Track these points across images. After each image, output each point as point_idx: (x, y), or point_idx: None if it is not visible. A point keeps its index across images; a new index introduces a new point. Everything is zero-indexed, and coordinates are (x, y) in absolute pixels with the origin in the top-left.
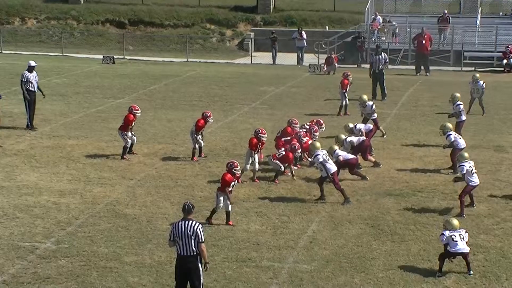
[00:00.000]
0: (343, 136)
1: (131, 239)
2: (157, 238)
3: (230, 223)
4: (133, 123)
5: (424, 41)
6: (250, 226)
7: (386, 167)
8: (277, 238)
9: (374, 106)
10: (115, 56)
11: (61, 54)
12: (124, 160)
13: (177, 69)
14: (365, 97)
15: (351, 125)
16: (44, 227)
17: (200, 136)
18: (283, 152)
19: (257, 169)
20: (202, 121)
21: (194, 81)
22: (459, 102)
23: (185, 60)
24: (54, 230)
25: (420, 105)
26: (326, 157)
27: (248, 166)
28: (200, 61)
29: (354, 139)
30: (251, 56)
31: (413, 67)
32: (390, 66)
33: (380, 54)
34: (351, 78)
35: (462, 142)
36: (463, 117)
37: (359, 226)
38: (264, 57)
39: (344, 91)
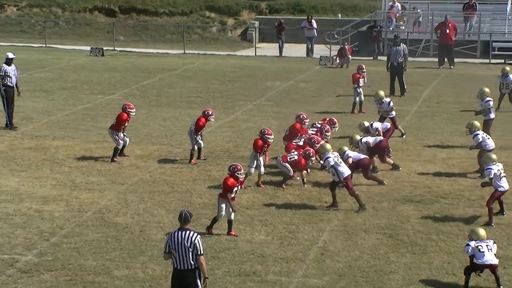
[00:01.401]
0: (358, 137)
1: (122, 251)
2: (151, 250)
3: (232, 233)
4: (126, 123)
5: (447, 31)
6: (254, 236)
7: (406, 170)
8: (284, 250)
9: (391, 103)
10: (104, 48)
11: (44, 45)
12: (114, 162)
13: (173, 62)
14: (381, 93)
15: (366, 124)
16: (26, 237)
17: (199, 136)
18: (295, 157)
19: (262, 173)
20: (202, 120)
21: (192, 76)
22: (488, 98)
23: (182, 52)
24: (37, 241)
25: (443, 102)
26: (338, 159)
27: (253, 169)
28: (198, 53)
29: (370, 139)
30: (255, 48)
31: (436, 59)
32: (410, 59)
33: (399, 45)
34: (365, 72)
35: (490, 143)
36: (492, 115)
37: (376, 236)
38: (269, 49)
39: (356, 86)
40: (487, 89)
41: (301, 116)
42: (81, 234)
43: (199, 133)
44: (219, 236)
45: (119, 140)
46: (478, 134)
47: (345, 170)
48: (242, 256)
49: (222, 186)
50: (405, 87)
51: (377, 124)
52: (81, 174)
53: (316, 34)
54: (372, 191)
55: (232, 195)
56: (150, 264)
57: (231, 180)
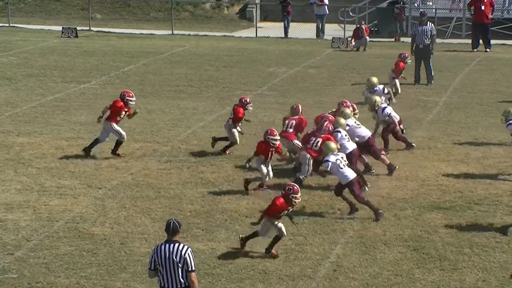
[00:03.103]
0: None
1: (99, 267)
2: (133, 266)
3: (274, 252)
4: (124, 113)
5: (483, 7)
6: (255, 249)
7: (433, 172)
8: (290, 265)
9: (386, 90)
10: (78, 28)
11: (7, 24)
12: (118, 156)
13: (159, 44)
14: (374, 79)
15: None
16: None
17: (238, 128)
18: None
19: (270, 178)
20: (241, 110)
21: (182, 60)
22: None
23: (170, 32)
24: None
25: (478, 91)
26: (340, 162)
27: (267, 176)
28: (189, 34)
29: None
30: (256, 27)
31: (469, 41)
32: (438, 40)
33: (426, 25)
34: (410, 61)
35: None
36: None
37: (398, 249)
38: (273, 29)
39: (394, 76)
40: None
41: (243, 100)
42: (51, 247)
43: (237, 125)
44: (213, 249)
45: (121, 132)
46: None
47: (349, 174)
48: (240, 272)
49: (269, 205)
50: (433, 74)
51: (389, 109)
52: (51, 177)
53: (327, 12)
54: (394, 196)
55: (277, 222)
56: (133, 282)
57: (282, 201)
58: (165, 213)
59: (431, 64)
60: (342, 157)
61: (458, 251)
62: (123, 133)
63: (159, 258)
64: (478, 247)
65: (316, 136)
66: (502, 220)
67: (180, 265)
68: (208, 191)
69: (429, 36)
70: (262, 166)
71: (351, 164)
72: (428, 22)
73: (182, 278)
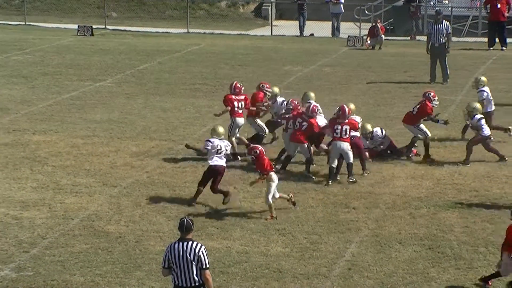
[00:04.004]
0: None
1: (114, 265)
2: (148, 264)
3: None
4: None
5: (499, 5)
6: (270, 247)
7: (449, 171)
8: (305, 264)
9: (384, 132)
10: (94, 26)
11: (23, 23)
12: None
13: (174, 43)
14: (368, 126)
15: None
16: (1, 249)
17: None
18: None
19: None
20: (260, 93)
21: (197, 59)
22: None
23: (186, 31)
24: (14, 253)
25: (494, 90)
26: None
27: (271, 198)
28: (204, 33)
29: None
30: (271, 26)
31: (485, 39)
32: (454, 39)
33: (441, 23)
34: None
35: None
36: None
37: (413, 248)
38: (288, 27)
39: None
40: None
41: (261, 85)
42: (66, 245)
43: (258, 116)
44: (228, 248)
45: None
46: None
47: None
48: (255, 271)
49: (506, 236)
50: (448, 73)
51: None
52: (66, 175)
53: (343, 10)
54: (409, 195)
55: None
56: (147, 280)
57: None
58: (180, 212)
59: (447, 63)
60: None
61: (474, 250)
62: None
63: (172, 257)
64: (494, 246)
65: (341, 124)
66: None
67: (194, 263)
68: (223, 189)
69: (444, 35)
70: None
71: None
72: (444, 21)
73: (196, 276)
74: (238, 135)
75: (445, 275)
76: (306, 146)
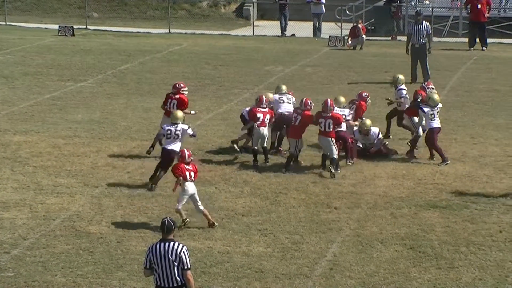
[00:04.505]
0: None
1: (96, 265)
2: (130, 264)
3: None
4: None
5: (479, 5)
6: (251, 248)
7: (430, 170)
8: (287, 264)
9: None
10: (75, 26)
11: (4, 23)
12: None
13: (156, 43)
14: (368, 122)
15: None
16: None
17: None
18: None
19: None
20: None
21: (179, 59)
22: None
23: (167, 31)
24: None
25: (475, 90)
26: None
27: (180, 206)
28: (186, 33)
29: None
30: (253, 26)
31: (466, 39)
32: (435, 39)
33: (422, 24)
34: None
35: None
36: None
37: (394, 248)
38: (270, 27)
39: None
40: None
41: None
42: (47, 246)
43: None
44: (210, 248)
45: None
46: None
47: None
48: (237, 271)
49: None
50: (429, 73)
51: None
52: (47, 175)
53: (324, 10)
54: (391, 195)
55: None
56: (129, 281)
57: None
58: (161, 212)
59: (427, 63)
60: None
61: (455, 249)
62: None
63: (154, 257)
64: (475, 245)
65: (325, 117)
66: (498, 219)
67: (175, 263)
68: (205, 190)
69: (424, 35)
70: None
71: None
72: (424, 21)
73: (178, 277)
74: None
75: (426, 274)
76: (296, 141)
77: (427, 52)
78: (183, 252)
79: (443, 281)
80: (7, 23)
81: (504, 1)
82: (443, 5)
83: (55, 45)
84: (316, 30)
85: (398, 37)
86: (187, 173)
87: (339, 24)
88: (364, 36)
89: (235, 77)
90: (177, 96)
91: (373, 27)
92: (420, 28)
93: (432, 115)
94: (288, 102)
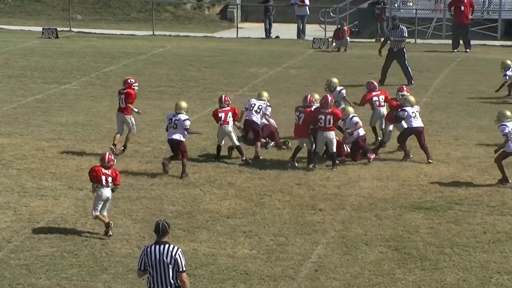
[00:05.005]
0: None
1: (80, 268)
2: (114, 267)
3: None
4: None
5: (463, 7)
6: (236, 250)
7: (414, 172)
8: (271, 266)
9: (344, 91)
10: (58, 29)
11: None
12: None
13: (140, 45)
14: (335, 80)
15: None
16: None
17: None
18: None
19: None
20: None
21: (163, 61)
22: None
23: (151, 33)
24: None
25: (458, 91)
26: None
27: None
28: (170, 35)
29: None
30: (237, 28)
31: (449, 41)
32: (419, 41)
33: (398, 28)
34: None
35: None
36: None
37: (379, 249)
38: (254, 29)
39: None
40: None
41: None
42: (32, 249)
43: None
44: (195, 250)
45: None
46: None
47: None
48: (222, 273)
49: None
50: (412, 74)
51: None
52: (31, 178)
53: (308, 12)
54: (375, 196)
55: None
56: (114, 283)
57: None
58: (146, 214)
59: (407, 64)
60: None
61: (439, 251)
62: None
63: (149, 260)
64: (459, 247)
65: (324, 113)
66: (482, 220)
67: (171, 266)
68: (190, 192)
69: (401, 39)
70: None
71: None
72: (400, 25)
73: (172, 279)
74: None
75: (411, 276)
76: (308, 139)
77: (404, 55)
78: (178, 254)
79: (427, 282)
80: None
81: (487, 3)
82: (427, 7)
83: (39, 48)
84: (300, 32)
85: (382, 39)
86: (103, 177)
87: (323, 26)
88: (348, 38)
89: (219, 79)
90: (125, 90)
91: (357, 29)
92: (397, 32)
93: (414, 114)
94: (256, 111)
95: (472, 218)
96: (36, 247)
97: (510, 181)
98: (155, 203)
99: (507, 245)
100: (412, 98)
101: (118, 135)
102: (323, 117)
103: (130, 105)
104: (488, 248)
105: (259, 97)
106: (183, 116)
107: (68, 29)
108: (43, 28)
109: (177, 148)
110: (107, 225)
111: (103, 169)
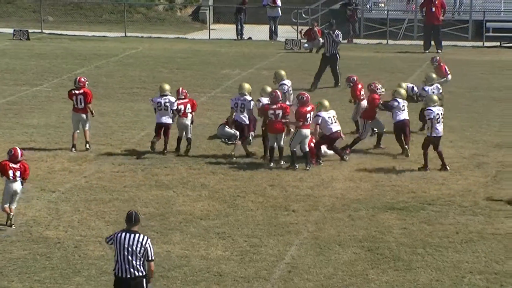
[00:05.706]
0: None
1: (53, 271)
2: (87, 269)
3: None
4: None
5: (434, 9)
6: (210, 251)
7: (386, 172)
8: (245, 267)
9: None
10: (30, 30)
11: None
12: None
13: (112, 46)
14: (282, 72)
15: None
16: None
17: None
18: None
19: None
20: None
21: (135, 63)
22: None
23: (123, 35)
24: None
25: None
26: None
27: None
28: (142, 36)
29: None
30: (209, 30)
31: (421, 42)
32: (390, 42)
33: (334, 32)
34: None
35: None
36: None
37: (352, 250)
38: (226, 31)
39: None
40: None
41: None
42: (4, 252)
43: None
44: (168, 252)
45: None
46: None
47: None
48: (196, 275)
49: None
50: (340, 76)
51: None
52: (3, 181)
53: (280, 13)
54: (348, 197)
55: None
56: (87, 286)
57: None
58: (119, 216)
59: (339, 71)
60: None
61: (412, 251)
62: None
63: (117, 245)
64: (432, 247)
65: (274, 109)
66: (454, 220)
67: (139, 255)
68: (163, 194)
69: (335, 44)
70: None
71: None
72: (336, 30)
73: (138, 266)
74: None
75: (384, 276)
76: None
77: (337, 60)
78: (148, 243)
79: (400, 282)
80: None
81: (458, 4)
82: (398, 8)
83: (10, 49)
84: (273, 33)
85: (354, 40)
86: (10, 171)
87: (296, 27)
88: (320, 39)
89: (191, 81)
90: (81, 90)
91: None
92: (332, 38)
93: (403, 107)
94: (241, 110)
95: (444, 218)
96: (8, 250)
97: (428, 170)
98: (128, 205)
99: (479, 245)
100: (403, 91)
101: (76, 133)
102: (273, 112)
103: (90, 106)
104: (461, 248)
105: (240, 90)
106: (172, 98)
107: (39, 30)
108: (14, 30)
109: (167, 129)
110: (8, 217)
111: (10, 164)
